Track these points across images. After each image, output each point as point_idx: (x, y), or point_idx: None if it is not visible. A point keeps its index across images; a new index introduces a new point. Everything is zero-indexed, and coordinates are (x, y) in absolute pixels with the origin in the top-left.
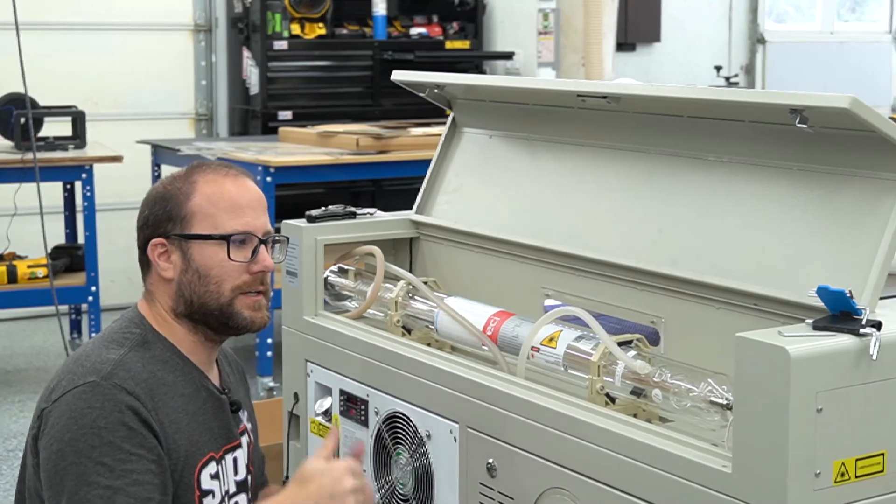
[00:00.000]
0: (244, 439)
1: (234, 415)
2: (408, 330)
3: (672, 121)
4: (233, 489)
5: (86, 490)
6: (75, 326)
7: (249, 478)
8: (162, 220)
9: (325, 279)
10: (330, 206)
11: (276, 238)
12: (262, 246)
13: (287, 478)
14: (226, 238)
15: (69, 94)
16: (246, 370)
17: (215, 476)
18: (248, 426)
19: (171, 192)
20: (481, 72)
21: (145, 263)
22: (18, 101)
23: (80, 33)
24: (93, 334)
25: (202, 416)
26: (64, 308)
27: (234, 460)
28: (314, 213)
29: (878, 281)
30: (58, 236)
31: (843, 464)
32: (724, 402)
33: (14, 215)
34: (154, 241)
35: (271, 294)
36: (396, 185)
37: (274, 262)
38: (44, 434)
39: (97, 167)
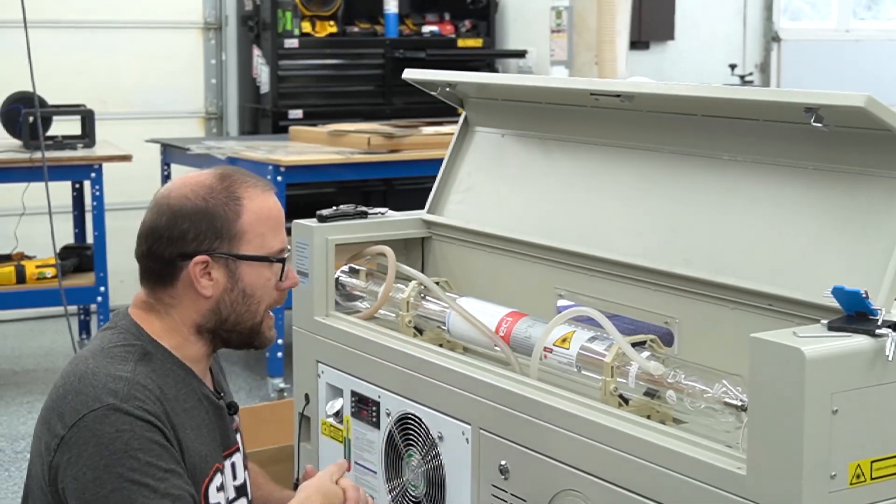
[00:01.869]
0: (238, 438)
1: (231, 417)
2: (419, 330)
3: (686, 120)
4: (232, 495)
5: None
6: (84, 327)
7: (247, 476)
8: (208, 236)
9: (336, 279)
10: (341, 206)
11: (289, 249)
12: (287, 262)
13: (298, 480)
14: (281, 261)
15: (78, 92)
16: (257, 371)
17: (221, 488)
18: (238, 421)
19: (216, 208)
20: (493, 70)
21: (167, 277)
22: (27, 100)
23: (90, 31)
24: None
25: (206, 427)
26: (73, 308)
27: (233, 465)
28: (325, 212)
29: (893, 281)
30: (66, 236)
31: (858, 465)
32: (739, 404)
33: (22, 215)
34: (199, 258)
35: None
36: (408, 185)
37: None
38: (70, 463)
39: (106, 166)
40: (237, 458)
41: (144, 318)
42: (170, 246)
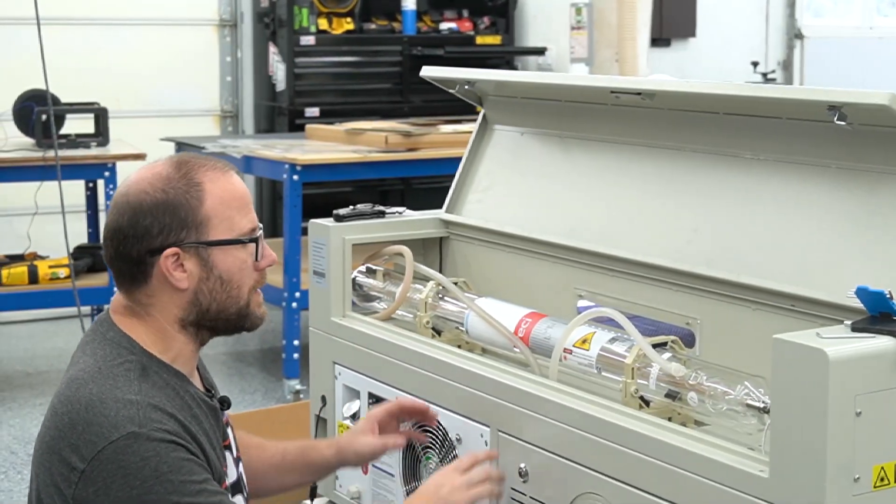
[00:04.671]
0: (229, 433)
1: (222, 413)
2: (437, 331)
3: (707, 118)
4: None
5: None
6: None
7: (242, 472)
8: (173, 228)
9: (353, 280)
10: (358, 205)
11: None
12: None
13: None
14: (253, 241)
15: (91, 90)
16: (272, 373)
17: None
18: (226, 416)
19: (177, 197)
20: (513, 68)
21: (140, 276)
22: (40, 98)
23: (103, 28)
24: None
25: (210, 430)
26: (86, 309)
27: (225, 461)
28: (342, 212)
29: None
30: (80, 236)
31: (882, 468)
32: (761, 406)
33: (35, 214)
34: (168, 251)
35: None
36: (426, 184)
37: None
38: (97, 495)
39: (120, 165)
40: (228, 453)
41: (129, 326)
42: (136, 244)
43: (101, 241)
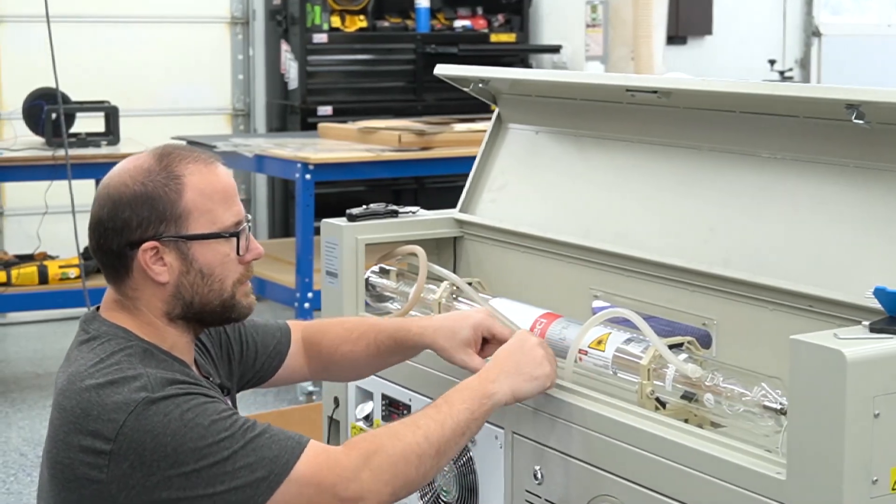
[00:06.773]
0: None
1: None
2: None
3: (724, 116)
4: None
5: (231, 464)
6: None
7: None
8: (151, 221)
9: (367, 280)
10: (371, 205)
11: (249, 220)
12: (249, 232)
13: None
14: (234, 235)
15: (102, 88)
16: None
17: None
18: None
19: (155, 190)
20: (527, 66)
21: (122, 269)
22: (49, 97)
23: (113, 26)
24: None
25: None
26: None
27: None
28: (355, 211)
29: None
30: None
31: None
32: (779, 407)
33: (45, 214)
34: (146, 244)
35: None
36: (440, 183)
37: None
38: (133, 468)
39: None
40: None
41: (122, 320)
42: (116, 237)
43: (88, 232)
